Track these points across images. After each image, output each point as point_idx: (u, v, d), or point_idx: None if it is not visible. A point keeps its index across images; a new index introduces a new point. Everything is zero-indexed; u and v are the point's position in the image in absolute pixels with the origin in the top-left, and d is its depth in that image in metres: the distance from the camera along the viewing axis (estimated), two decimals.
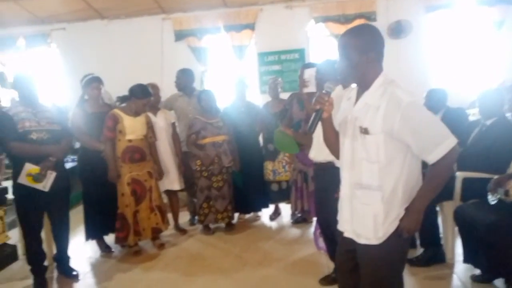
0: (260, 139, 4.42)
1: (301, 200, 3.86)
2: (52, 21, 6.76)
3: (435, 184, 1.58)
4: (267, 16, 6.39)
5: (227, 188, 4.02)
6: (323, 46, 6.56)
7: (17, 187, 2.96)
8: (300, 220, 4.19)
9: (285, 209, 4.46)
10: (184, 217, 4.41)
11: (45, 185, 2.96)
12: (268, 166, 4.23)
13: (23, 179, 2.90)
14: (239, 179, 4.17)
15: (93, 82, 3.58)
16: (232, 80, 4.45)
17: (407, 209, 1.61)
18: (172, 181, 4.06)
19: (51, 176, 2.98)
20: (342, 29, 6.29)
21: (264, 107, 4.37)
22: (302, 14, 6.24)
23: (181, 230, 4.18)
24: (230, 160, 4.01)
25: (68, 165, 3.87)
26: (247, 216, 4.48)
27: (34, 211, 3.05)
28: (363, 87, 1.64)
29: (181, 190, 4.25)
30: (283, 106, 4.11)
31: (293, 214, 4.24)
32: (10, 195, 3.14)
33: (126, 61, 6.28)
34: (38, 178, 2.92)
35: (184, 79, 4.30)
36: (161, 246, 3.78)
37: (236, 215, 4.32)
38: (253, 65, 6.87)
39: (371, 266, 1.68)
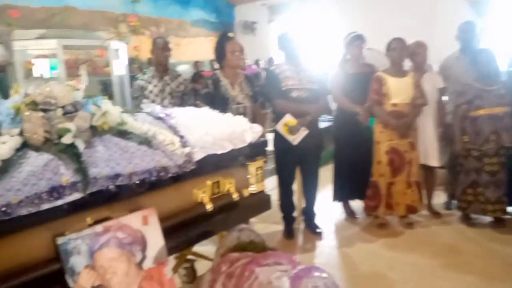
0: None
1: None
2: None
3: None
4: None
5: (503, 174, 3.23)
6: None
7: (278, 143, 3.21)
8: None
9: None
10: (438, 197, 3.82)
11: (295, 139, 3.13)
12: None
13: (279, 127, 3.15)
14: None
15: (356, 40, 3.45)
16: None
17: None
18: (430, 156, 3.54)
19: (303, 132, 3.12)
20: None
21: None
22: None
23: (434, 213, 3.66)
24: None
25: (323, 124, 3.96)
26: None
27: (289, 164, 3.29)
28: None
29: (441, 167, 3.68)
30: None
31: None
32: (268, 148, 3.42)
33: (395, 17, 5.96)
34: (292, 130, 3.12)
35: (466, 34, 3.63)
36: (409, 225, 3.42)
37: (510, 209, 3.41)
38: None
39: None
